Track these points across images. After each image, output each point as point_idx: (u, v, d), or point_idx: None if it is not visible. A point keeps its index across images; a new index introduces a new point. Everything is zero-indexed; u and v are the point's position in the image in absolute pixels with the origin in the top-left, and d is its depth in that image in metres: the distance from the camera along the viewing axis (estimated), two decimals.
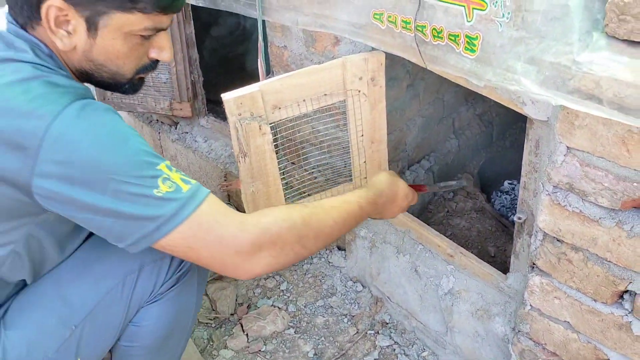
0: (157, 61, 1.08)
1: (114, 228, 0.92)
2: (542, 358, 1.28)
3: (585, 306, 1.12)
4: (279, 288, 1.82)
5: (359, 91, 1.37)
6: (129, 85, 1.08)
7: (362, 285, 1.80)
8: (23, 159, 0.87)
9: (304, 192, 1.57)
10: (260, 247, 0.96)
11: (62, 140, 0.87)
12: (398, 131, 1.76)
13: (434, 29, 1.11)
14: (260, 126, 1.28)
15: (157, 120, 2.31)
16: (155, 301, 1.20)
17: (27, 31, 0.97)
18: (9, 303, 1.13)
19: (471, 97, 2.08)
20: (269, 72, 1.69)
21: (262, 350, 1.63)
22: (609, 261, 1.03)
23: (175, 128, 2.25)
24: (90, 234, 1.20)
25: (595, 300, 1.10)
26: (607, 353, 1.13)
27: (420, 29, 1.14)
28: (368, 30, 1.26)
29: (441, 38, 1.11)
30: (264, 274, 1.10)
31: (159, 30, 1.01)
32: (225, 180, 2.09)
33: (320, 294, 1.80)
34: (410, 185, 1.34)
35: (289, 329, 1.69)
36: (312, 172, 1.61)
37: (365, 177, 1.51)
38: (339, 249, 1.88)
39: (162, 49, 1.05)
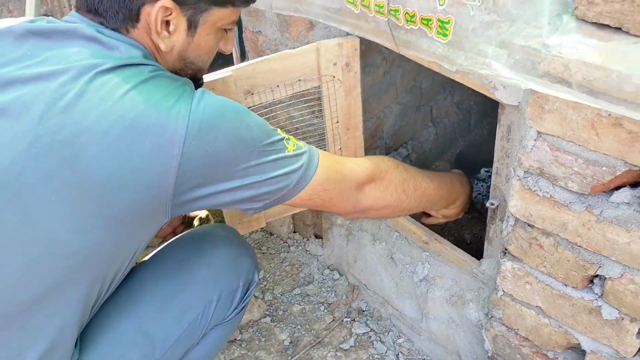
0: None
1: (257, 195, 0.97)
2: (514, 343, 1.28)
3: (556, 291, 1.12)
4: None
5: (334, 77, 1.36)
6: (201, 82, 1.12)
7: (339, 273, 1.80)
8: (166, 161, 0.86)
9: None
10: (372, 179, 1.11)
11: (203, 131, 0.87)
12: (375, 118, 1.75)
13: (407, 12, 1.10)
14: None
15: None
16: (220, 324, 1.21)
17: (122, 35, 0.95)
18: (85, 336, 1.04)
19: (449, 85, 2.08)
20: (243, 58, 1.67)
21: (237, 339, 1.62)
22: (579, 246, 1.04)
23: None
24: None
25: (565, 285, 1.11)
26: (578, 337, 1.14)
27: (394, 13, 1.13)
28: (342, 15, 1.24)
29: (414, 22, 1.10)
30: (371, 209, 1.16)
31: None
32: None
33: (297, 282, 1.79)
34: None
35: (265, 317, 1.68)
36: None
37: None
38: (316, 237, 1.88)
39: (228, 41, 1.09)
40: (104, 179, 0.84)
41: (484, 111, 2.30)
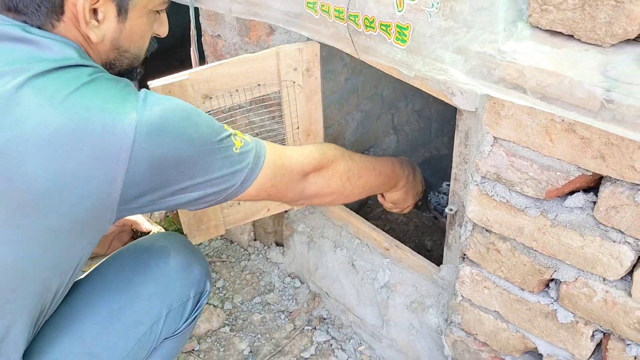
0: (153, 39, 1.08)
1: (204, 196, 0.96)
2: (473, 348, 1.29)
3: (514, 295, 1.13)
4: (215, 285, 1.77)
5: (294, 82, 1.35)
6: (140, 70, 1.08)
7: (300, 281, 1.78)
8: (112, 166, 0.82)
9: None
10: (319, 168, 1.12)
11: (152, 134, 0.84)
12: (336, 125, 1.75)
13: (366, 18, 1.10)
14: None
15: None
16: (170, 337, 1.17)
17: (49, 32, 0.89)
18: (29, 357, 0.98)
19: (410, 93, 2.10)
20: (202, 62, 1.65)
21: (195, 349, 1.58)
22: (535, 250, 1.05)
23: None
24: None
25: (522, 290, 1.12)
26: (535, 341, 1.16)
27: (353, 19, 1.13)
28: (302, 20, 1.23)
29: (373, 28, 1.10)
30: (316, 196, 1.17)
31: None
32: None
33: (257, 290, 1.77)
34: None
35: (224, 326, 1.65)
36: None
37: None
38: (277, 244, 1.86)
39: (162, 23, 1.06)
40: (44, 189, 0.80)
41: (445, 119, 2.34)
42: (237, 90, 1.29)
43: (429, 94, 1.14)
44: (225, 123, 1.44)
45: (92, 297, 1.08)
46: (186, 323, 1.17)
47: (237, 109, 1.42)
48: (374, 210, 2.02)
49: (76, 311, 1.05)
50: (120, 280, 1.09)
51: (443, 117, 2.31)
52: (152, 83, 1.18)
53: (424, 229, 1.94)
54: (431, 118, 2.25)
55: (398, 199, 1.42)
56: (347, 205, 1.62)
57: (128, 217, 1.36)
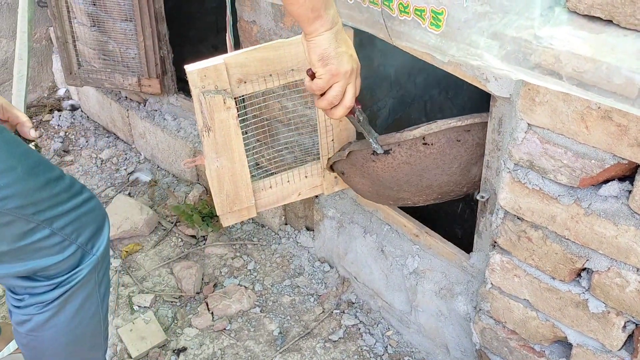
0: None
1: None
2: (502, 336, 1.29)
3: (544, 284, 1.13)
4: (246, 267, 1.81)
5: None
6: None
7: (329, 265, 1.80)
8: None
9: (271, 171, 1.55)
10: None
11: None
12: (367, 111, 1.75)
13: (401, 3, 1.10)
14: (224, 100, 1.26)
15: (126, 97, 2.26)
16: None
17: None
18: None
19: (443, 81, 2.08)
20: (237, 48, 1.67)
21: (227, 328, 1.62)
22: (567, 239, 1.04)
23: (144, 105, 2.21)
24: None
25: (553, 278, 1.11)
26: (565, 330, 1.15)
27: (387, 4, 1.13)
28: (336, 5, 1.24)
29: (407, 13, 1.10)
30: None
31: None
32: (203, 172, 2.06)
33: (287, 273, 1.79)
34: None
35: (254, 307, 1.68)
36: (281, 150, 1.59)
37: None
38: (307, 229, 1.88)
39: None
40: None
41: (479, 107, 2.31)
42: (270, 75, 1.31)
43: (463, 82, 1.13)
44: (258, 108, 1.47)
45: None
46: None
47: (271, 94, 1.43)
48: None
49: None
50: None
51: (477, 105, 2.29)
52: (188, 67, 1.21)
53: (455, 217, 1.93)
54: (464, 106, 2.23)
55: (324, 53, 1.02)
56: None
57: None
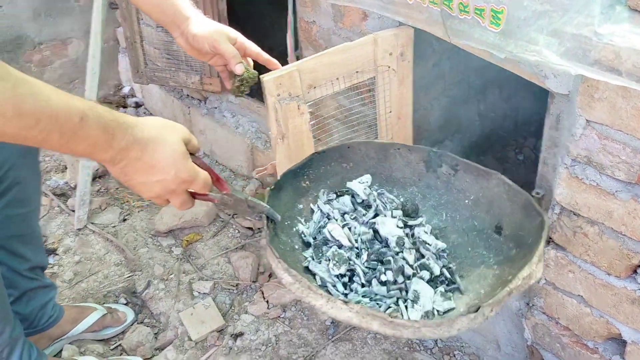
0: None
1: None
2: (554, 332, 1.30)
3: (599, 280, 1.14)
4: None
5: (389, 67, 1.39)
6: None
7: None
8: None
9: None
10: None
11: None
12: (422, 110, 1.78)
13: (461, 3, 1.13)
14: (299, 106, 1.29)
15: (188, 95, 2.37)
16: None
17: None
18: None
19: (497, 80, 2.09)
20: (297, 48, 1.73)
21: (281, 316, 1.68)
22: (624, 235, 1.05)
23: (205, 103, 2.31)
24: None
25: (609, 274, 1.12)
26: (619, 327, 1.15)
27: (447, 4, 1.16)
28: (396, 5, 1.28)
29: (467, 12, 1.13)
30: None
31: None
32: (259, 166, 2.14)
33: None
34: (200, 166, 0.88)
35: None
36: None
37: None
38: None
39: None
40: None
41: (533, 108, 2.30)
42: (337, 79, 1.34)
43: (517, 83, 1.15)
44: (317, 106, 1.51)
45: None
46: None
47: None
48: None
49: None
50: None
51: (531, 105, 2.28)
52: (264, 76, 1.23)
53: None
54: (518, 106, 2.22)
55: (116, 175, 0.85)
56: None
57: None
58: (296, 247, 1.08)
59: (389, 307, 0.99)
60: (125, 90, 2.77)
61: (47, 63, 2.60)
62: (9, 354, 1.28)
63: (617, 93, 0.94)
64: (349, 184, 1.18)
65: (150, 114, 2.61)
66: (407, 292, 1.00)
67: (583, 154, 1.05)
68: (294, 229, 1.11)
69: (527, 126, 2.30)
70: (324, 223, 1.12)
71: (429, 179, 1.20)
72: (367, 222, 1.10)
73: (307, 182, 1.17)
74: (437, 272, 1.03)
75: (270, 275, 1.81)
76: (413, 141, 1.59)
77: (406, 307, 0.98)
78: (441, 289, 1.01)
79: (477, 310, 0.86)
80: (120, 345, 1.64)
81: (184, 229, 1.99)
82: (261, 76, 1.23)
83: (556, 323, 1.28)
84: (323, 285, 1.02)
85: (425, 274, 1.03)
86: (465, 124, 2.05)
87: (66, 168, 2.31)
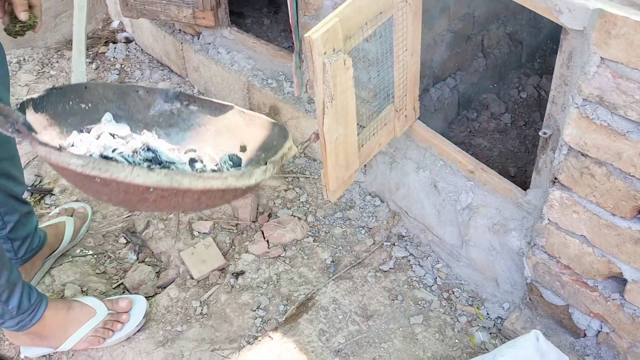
0: None
1: None
2: (555, 271, 1.31)
3: (604, 220, 1.13)
4: (299, 199, 1.86)
5: (407, 1, 1.31)
6: None
7: (380, 199, 1.84)
8: None
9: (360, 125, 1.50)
10: None
11: None
12: (425, 46, 1.73)
13: None
14: (344, 61, 1.17)
15: (180, 30, 2.28)
16: None
17: None
18: None
19: (503, 15, 2.02)
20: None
21: (281, 255, 1.69)
22: (632, 176, 1.04)
23: (198, 39, 2.22)
24: None
25: (614, 215, 1.12)
26: (621, 266, 1.16)
27: None
28: None
29: None
30: None
31: None
32: (255, 106, 2.09)
33: (338, 206, 1.84)
34: None
35: (307, 237, 1.75)
36: (362, 98, 1.56)
37: (406, 95, 1.48)
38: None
39: None
40: None
41: (537, 44, 2.24)
42: (366, 24, 1.23)
43: (522, 18, 1.10)
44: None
45: None
46: None
47: None
48: (457, 134, 2.01)
49: None
50: None
51: (535, 42, 2.22)
52: (310, 34, 1.10)
53: (509, 156, 1.93)
54: (523, 42, 2.16)
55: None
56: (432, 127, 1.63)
57: None
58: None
59: None
60: (115, 24, 2.66)
61: None
62: (8, 297, 1.30)
63: (635, 29, 0.90)
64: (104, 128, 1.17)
65: (142, 50, 2.53)
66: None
67: (595, 93, 1.01)
68: None
69: (530, 63, 2.25)
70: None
71: (171, 118, 1.26)
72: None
73: (47, 118, 1.12)
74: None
75: (269, 216, 1.81)
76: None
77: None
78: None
79: (266, 164, 1.02)
80: (122, 283, 1.66)
81: None
82: (305, 35, 1.10)
83: (557, 262, 1.30)
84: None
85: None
86: (468, 60, 2.00)
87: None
